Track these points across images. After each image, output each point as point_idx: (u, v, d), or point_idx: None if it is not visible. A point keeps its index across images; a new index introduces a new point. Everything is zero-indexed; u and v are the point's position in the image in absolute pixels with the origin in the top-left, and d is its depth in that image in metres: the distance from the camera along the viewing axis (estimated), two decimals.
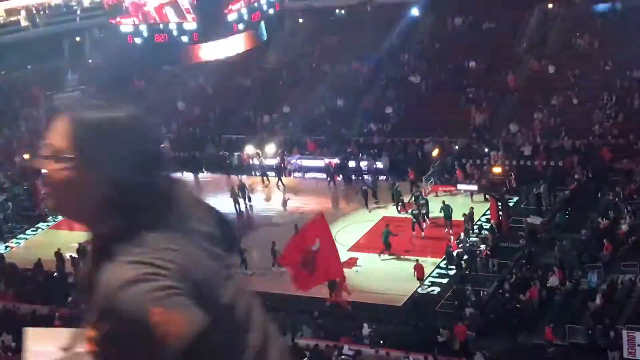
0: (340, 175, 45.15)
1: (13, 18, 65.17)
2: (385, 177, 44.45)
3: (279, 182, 45.89)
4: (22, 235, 45.04)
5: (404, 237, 37.63)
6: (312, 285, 27.50)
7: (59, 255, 39.26)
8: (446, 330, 28.79)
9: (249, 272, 35.78)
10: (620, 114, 42.80)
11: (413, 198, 39.69)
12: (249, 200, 43.51)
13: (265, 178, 46.92)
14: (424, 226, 37.81)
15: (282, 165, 47.51)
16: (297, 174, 47.20)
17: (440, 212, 38.00)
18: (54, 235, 44.40)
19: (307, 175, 47.00)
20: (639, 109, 42.99)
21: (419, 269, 33.42)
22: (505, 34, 51.65)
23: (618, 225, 33.41)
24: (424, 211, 38.35)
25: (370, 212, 41.19)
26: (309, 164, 47.43)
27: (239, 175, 47.33)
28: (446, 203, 38.08)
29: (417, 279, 33.34)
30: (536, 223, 35.77)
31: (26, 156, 51.37)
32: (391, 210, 40.81)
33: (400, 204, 40.07)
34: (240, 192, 43.33)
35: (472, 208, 37.76)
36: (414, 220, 37.56)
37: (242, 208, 43.29)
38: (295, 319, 31.75)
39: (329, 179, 45.07)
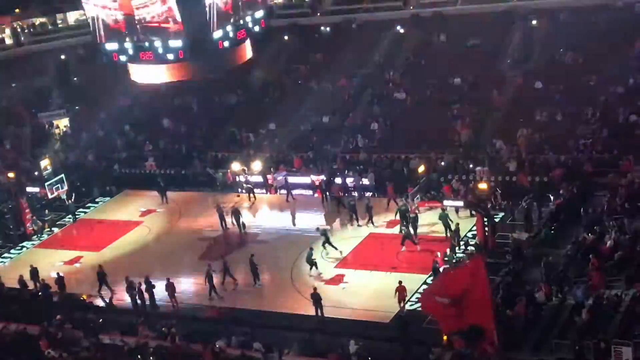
0: (327, 192, 45.15)
1: None
2: (371, 193, 44.53)
3: (290, 197, 45.91)
4: (6, 254, 44.75)
5: (390, 253, 37.66)
6: (456, 326, 25.97)
7: (34, 273, 39.31)
8: (438, 348, 28.66)
9: (259, 285, 35.86)
10: (604, 129, 43.02)
11: (398, 214, 39.92)
12: (244, 227, 43.05)
13: (251, 195, 46.88)
14: (416, 241, 38.02)
15: (267, 182, 47.52)
16: (283, 191, 47.13)
17: (440, 219, 38.54)
18: (39, 254, 44.21)
19: (294, 192, 46.84)
20: (623, 124, 43.21)
21: (400, 290, 33.27)
22: (489, 51, 51.92)
23: (603, 241, 33.48)
24: (412, 228, 38.58)
25: (356, 228, 41.22)
26: (296, 180, 47.34)
27: (226, 194, 47.44)
28: (445, 212, 38.85)
29: (399, 300, 33.03)
30: (522, 239, 35.84)
31: (11, 175, 51.14)
32: (378, 227, 40.90)
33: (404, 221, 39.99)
34: (234, 217, 43.13)
35: (458, 224, 37.84)
36: (405, 236, 37.76)
37: (228, 225, 43.17)
38: (283, 336, 31.69)
39: (322, 195, 45.17)
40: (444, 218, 38.53)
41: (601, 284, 30.34)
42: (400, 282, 33.38)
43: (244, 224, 43.09)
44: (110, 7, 38.83)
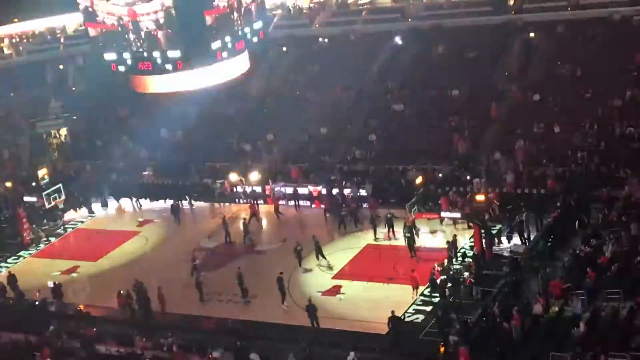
0: (325, 203, 45.18)
1: None
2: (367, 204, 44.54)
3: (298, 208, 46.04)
4: (4, 264, 44.65)
5: (388, 264, 37.63)
6: None
7: (12, 280, 39.47)
8: None
9: (285, 306, 35.56)
10: (601, 142, 43.07)
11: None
12: (249, 240, 42.96)
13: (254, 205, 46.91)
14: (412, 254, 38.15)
15: (265, 192, 47.52)
16: (281, 202, 47.17)
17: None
18: (36, 264, 44.17)
19: (291, 202, 46.86)
20: (620, 137, 43.27)
21: (413, 279, 34.05)
22: (487, 63, 52.03)
23: (601, 253, 33.49)
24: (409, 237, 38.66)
25: (354, 239, 41.22)
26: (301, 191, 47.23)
27: (224, 205, 47.39)
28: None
29: (413, 288, 34.10)
30: (519, 251, 35.84)
31: (8, 184, 51.14)
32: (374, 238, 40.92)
33: (391, 230, 40.46)
34: (243, 229, 43.08)
35: (455, 236, 37.84)
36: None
37: (232, 238, 43.11)
38: (281, 347, 31.63)
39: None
40: (389, 220, 40.15)
41: (559, 295, 30.96)
42: (412, 271, 34.54)
43: (250, 238, 42.94)
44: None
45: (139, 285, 36.59)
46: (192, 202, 48.79)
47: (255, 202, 46.20)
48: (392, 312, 31.46)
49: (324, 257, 38.77)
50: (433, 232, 40.34)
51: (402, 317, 31.79)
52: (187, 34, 38.35)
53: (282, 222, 45.00)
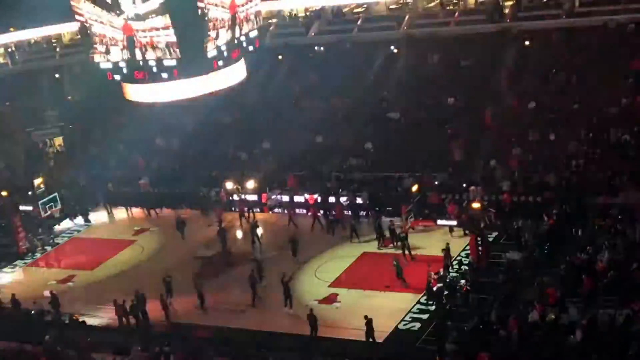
0: (321, 211, 45.15)
1: None
2: (365, 212, 44.55)
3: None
4: None
5: (384, 272, 37.60)
6: None
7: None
8: None
9: (291, 310, 35.49)
10: (597, 150, 43.13)
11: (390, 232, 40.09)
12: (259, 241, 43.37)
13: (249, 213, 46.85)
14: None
15: (262, 201, 47.57)
16: (277, 210, 47.16)
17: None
18: (32, 273, 44.11)
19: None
20: (616, 144, 43.33)
21: (427, 274, 34.66)
22: (483, 71, 52.08)
23: (597, 260, 33.51)
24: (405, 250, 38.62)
25: (351, 247, 41.21)
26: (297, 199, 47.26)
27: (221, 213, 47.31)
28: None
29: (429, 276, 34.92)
30: (515, 258, 35.85)
31: (4, 193, 51.07)
32: (372, 246, 40.86)
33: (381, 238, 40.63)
34: (251, 231, 43.35)
35: (448, 243, 37.73)
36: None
37: (229, 245, 43.16)
38: (280, 356, 31.59)
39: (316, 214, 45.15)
40: (391, 230, 40.53)
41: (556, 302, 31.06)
42: (429, 265, 35.50)
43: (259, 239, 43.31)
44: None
45: (139, 296, 36.54)
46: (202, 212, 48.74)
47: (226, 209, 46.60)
48: (365, 316, 31.61)
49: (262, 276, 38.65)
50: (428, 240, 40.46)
51: (371, 319, 31.79)
52: (183, 42, 38.29)
53: (278, 229, 45.07)
